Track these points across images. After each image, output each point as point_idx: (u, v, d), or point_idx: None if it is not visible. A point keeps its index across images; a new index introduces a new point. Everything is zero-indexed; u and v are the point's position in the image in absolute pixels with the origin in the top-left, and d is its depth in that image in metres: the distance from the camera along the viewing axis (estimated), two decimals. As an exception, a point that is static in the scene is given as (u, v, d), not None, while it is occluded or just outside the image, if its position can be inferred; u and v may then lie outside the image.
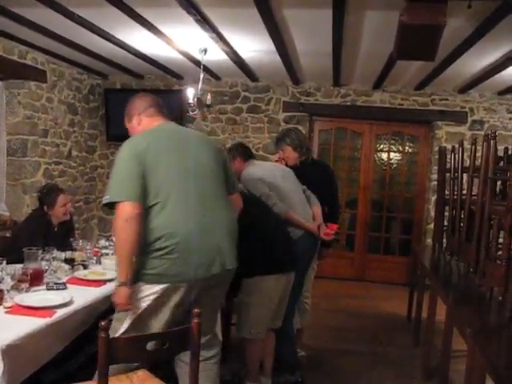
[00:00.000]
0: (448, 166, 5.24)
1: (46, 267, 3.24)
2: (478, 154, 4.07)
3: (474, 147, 4.29)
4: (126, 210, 2.47)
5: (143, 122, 2.86)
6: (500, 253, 3.29)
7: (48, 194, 4.09)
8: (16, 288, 2.88)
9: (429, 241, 6.87)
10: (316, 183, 4.08)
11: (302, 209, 3.85)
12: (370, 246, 7.70)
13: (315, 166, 4.34)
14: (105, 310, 2.96)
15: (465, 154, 4.74)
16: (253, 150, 7.31)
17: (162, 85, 7.61)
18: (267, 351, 3.67)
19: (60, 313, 2.64)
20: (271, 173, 3.88)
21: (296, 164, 4.22)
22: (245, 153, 4.01)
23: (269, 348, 3.67)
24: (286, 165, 4.20)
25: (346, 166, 7.65)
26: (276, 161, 4.41)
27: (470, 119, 7.10)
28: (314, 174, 4.16)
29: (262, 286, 3.36)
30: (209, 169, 2.76)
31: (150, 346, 2.16)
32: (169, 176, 2.61)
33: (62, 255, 3.47)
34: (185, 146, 2.75)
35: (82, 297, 2.89)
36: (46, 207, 4.07)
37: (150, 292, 2.53)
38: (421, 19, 3.14)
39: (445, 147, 5.59)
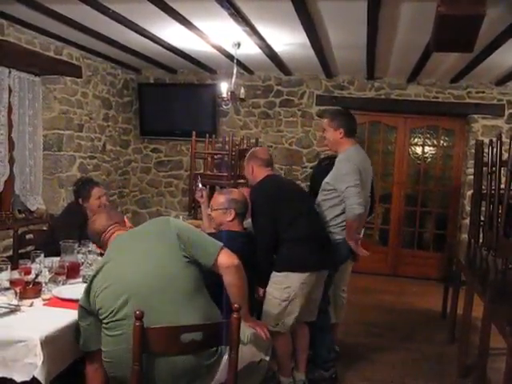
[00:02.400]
0: (485, 159, 5.15)
1: (82, 260, 3.29)
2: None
3: (512, 141, 4.19)
4: None
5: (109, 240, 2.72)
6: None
7: (83, 187, 4.15)
8: (54, 280, 2.93)
9: (464, 236, 6.77)
10: None
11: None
12: (403, 240, 7.62)
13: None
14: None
15: (502, 148, 4.64)
16: (285, 145, 7.37)
17: (195, 79, 7.64)
18: (301, 346, 3.65)
19: (96, 305, 2.66)
20: (367, 167, 3.82)
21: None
22: (350, 128, 3.83)
23: (302, 343, 3.66)
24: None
25: (379, 160, 7.55)
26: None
27: (507, 112, 6.92)
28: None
29: (290, 282, 3.35)
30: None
31: (184, 337, 2.17)
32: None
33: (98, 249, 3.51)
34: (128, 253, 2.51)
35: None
36: (81, 200, 4.12)
37: None
38: (459, 9, 3.06)
39: (482, 141, 5.48)
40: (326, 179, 3.79)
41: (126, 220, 2.85)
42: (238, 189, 3.88)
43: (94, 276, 2.45)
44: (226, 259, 2.54)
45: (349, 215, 3.58)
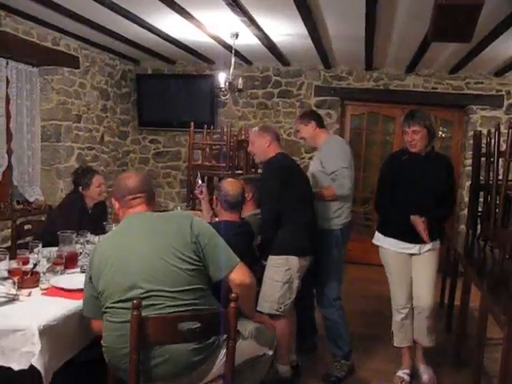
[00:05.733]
0: (483, 150, 5.15)
1: (81, 250, 3.30)
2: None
3: (511, 131, 4.18)
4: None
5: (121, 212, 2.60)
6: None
7: (83, 175, 4.17)
8: (52, 270, 2.94)
9: (462, 227, 6.77)
10: None
11: None
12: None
13: None
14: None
15: (501, 139, 4.65)
16: (284, 135, 7.36)
17: (193, 70, 7.62)
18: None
19: (94, 295, 2.68)
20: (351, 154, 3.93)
21: None
22: (320, 120, 4.01)
23: (292, 325, 3.78)
24: None
25: (378, 151, 7.54)
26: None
27: (506, 103, 6.92)
28: None
29: (290, 264, 3.42)
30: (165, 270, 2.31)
31: (181, 327, 2.18)
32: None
33: (96, 239, 3.52)
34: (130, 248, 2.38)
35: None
36: (81, 188, 4.14)
37: None
38: (458, -1, 3.07)
39: (480, 131, 5.49)
40: (317, 167, 3.87)
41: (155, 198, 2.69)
42: (237, 179, 3.86)
43: (100, 246, 2.45)
44: (239, 276, 2.44)
45: (337, 190, 3.71)
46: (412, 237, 3.58)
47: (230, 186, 3.35)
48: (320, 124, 3.95)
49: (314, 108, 7.26)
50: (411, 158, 3.60)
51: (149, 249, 2.32)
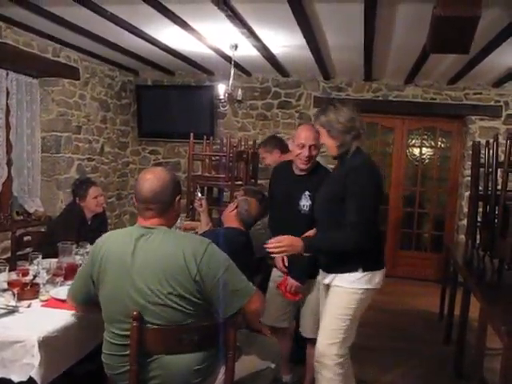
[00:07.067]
0: (482, 161, 5.16)
1: (80, 262, 3.29)
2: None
3: (509, 142, 4.20)
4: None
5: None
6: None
7: (80, 187, 4.21)
8: (51, 282, 2.93)
9: (461, 237, 6.77)
10: None
11: None
12: (401, 242, 7.63)
13: None
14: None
15: (499, 149, 4.66)
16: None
17: (192, 81, 7.65)
18: None
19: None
20: None
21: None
22: (283, 146, 4.17)
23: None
24: None
25: (377, 162, 7.47)
26: None
27: (504, 113, 6.94)
28: None
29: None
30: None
31: (182, 337, 2.18)
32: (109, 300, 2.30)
33: (96, 250, 3.51)
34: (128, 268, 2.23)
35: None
36: (78, 199, 4.17)
37: None
38: (455, 11, 3.07)
39: (479, 142, 5.49)
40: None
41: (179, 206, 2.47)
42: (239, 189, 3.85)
43: (102, 251, 2.33)
44: (250, 307, 2.30)
45: None
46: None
47: (254, 206, 3.39)
48: (283, 150, 4.13)
49: (314, 119, 7.28)
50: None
51: (150, 281, 2.17)
